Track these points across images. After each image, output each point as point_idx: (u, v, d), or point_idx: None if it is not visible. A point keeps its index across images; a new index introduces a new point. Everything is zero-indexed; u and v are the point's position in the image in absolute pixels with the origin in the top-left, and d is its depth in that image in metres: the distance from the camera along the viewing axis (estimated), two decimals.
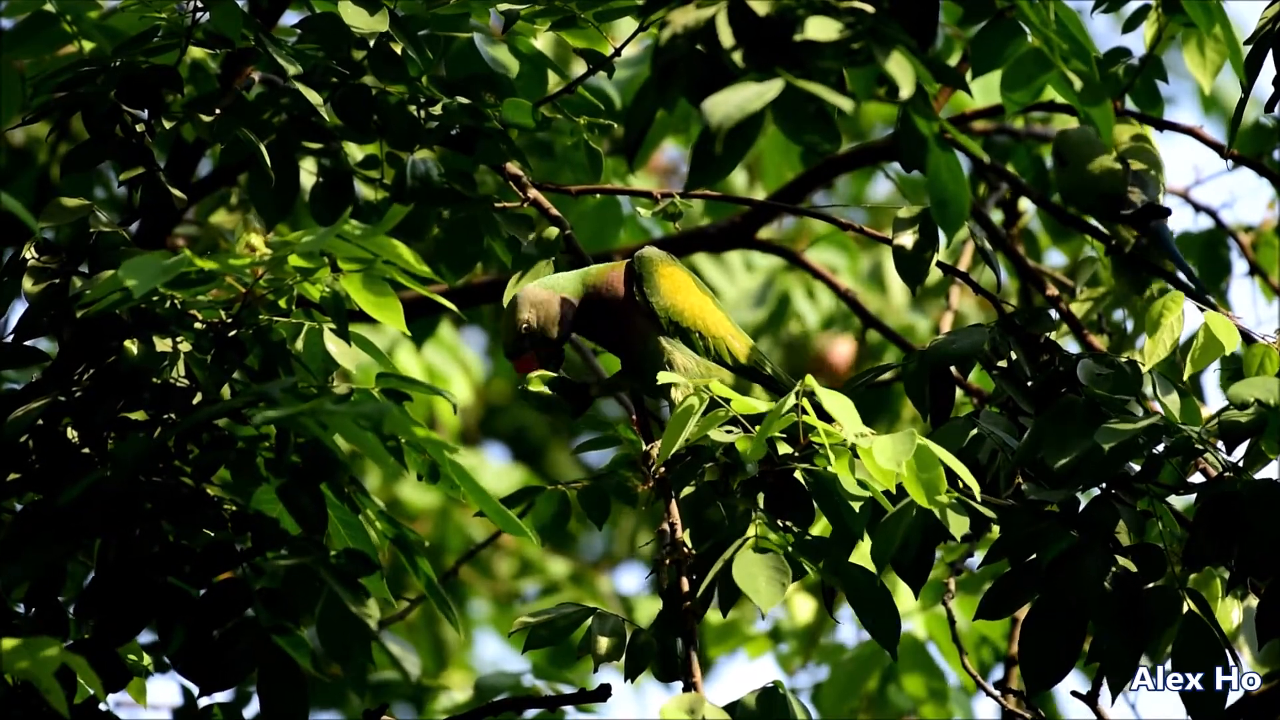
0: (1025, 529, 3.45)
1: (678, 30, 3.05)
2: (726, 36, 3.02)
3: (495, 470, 7.83)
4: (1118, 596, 3.42)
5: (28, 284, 3.40)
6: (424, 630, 7.31)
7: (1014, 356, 3.67)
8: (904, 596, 3.50)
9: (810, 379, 3.33)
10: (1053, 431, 3.46)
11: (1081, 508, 3.48)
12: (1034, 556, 3.44)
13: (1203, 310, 3.80)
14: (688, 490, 3.53)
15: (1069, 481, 3.45)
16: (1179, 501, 3.61)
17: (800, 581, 3.56)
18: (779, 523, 3.46)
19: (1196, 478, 3.54)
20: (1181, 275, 4.46)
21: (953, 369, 3.69)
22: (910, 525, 3.35)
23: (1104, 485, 3.49)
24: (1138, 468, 3.51)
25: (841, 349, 6.99)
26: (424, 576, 3.39)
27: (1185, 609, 3.43)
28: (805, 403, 3.33)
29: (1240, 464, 3.46)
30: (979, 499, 3.34)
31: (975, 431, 3.53)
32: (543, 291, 3.67)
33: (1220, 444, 3.45)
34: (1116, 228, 4.52)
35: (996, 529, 3.49)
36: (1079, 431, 3.45)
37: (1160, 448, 3.46)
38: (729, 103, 2.96)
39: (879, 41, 3.02)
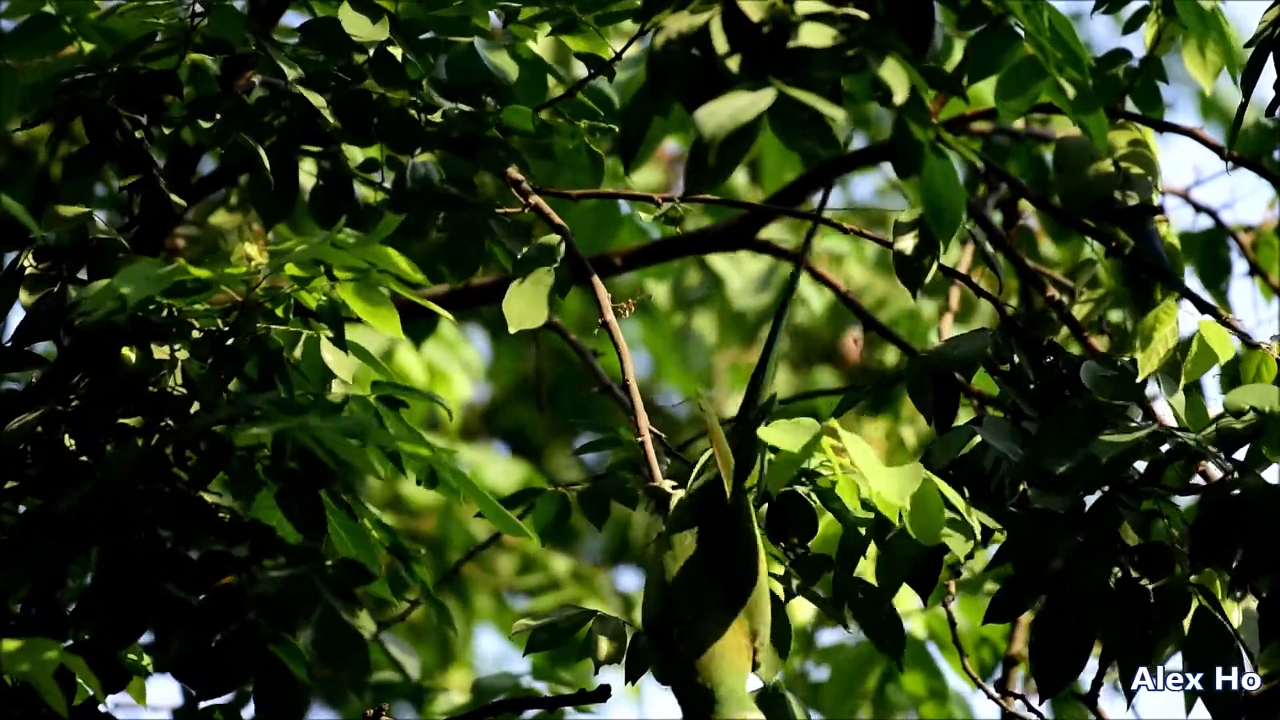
0: (1031, 533, 3.43)
1: (671, 36, 3.04)
2: (720, 43, 3.01)
3: (500, 466, 7.82)
4: (1126, 596, 3.41)
5: (24, 295, 3.39)
6: (429, 627, 7.30)
7: (1017, 359, 3.65)
8: (904, 597, 3.49)
9: (834, 421, 3.29)
10: (1053, 439, 3.44)
11: (1086, 510, 3.46)
12: (1041, 559, 3.43)
13: (1192, 314, 3.79)
14: None
15: (1071, 486, 3.42)
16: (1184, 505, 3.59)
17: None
18: (780, 542, 3.43)
19: (1200, 481, 3.52)
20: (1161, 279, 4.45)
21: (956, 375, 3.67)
22: (915, 544, 3.33)
23: (1107, 488, 3.47)
24: (1142, 467, 3.49)
25: (853, 337, 6.97)
26: (420, 584, 3.39)
27: (1196, 604, 3.42)
28: (827, 440, 3.28)
29: (1242, 466, 3.44)
30: (976, 523, 3.31)
31: (978, 439, 3.50)
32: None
33: (1220, 451, 3.43)
34: (1115, 231, 4.51)
35: (999, 534, 3.48)
36: (1079, 438, 3.43)
37: (1163, 450, 3.45)
38: (722, 113, 2.94)
39: (873, 48, 3.02)
